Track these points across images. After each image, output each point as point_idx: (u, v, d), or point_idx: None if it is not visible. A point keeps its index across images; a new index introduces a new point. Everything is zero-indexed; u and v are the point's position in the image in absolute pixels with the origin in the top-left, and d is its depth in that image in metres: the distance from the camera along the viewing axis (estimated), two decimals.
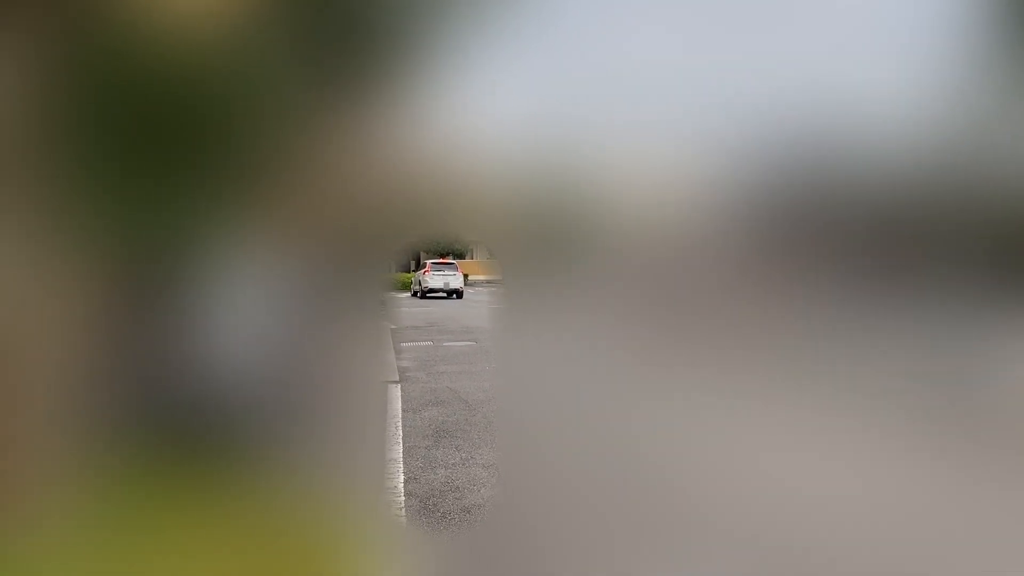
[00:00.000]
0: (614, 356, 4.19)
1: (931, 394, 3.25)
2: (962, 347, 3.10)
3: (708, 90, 3.09)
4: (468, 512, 3.40)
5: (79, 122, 2.14)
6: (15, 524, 2.13)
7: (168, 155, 2.25)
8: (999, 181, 2.95)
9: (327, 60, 2.38)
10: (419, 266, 24.67)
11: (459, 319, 14.35)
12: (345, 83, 2.43)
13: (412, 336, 11.09)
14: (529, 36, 2.69)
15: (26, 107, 2.10)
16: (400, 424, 5.14)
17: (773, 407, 3.64)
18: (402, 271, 25.87)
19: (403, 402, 5.96)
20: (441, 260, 23.77)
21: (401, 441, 4.66)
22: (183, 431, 2.29)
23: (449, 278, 22.64)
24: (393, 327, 11.69)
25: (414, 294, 23.30)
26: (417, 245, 20.26)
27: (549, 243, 3.41)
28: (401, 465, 4.11)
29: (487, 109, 2.81)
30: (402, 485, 3.76)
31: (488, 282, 26.95)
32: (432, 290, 22.58)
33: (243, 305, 2.38)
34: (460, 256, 27.41)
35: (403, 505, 3.48)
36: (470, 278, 26.72)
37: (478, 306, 18.32)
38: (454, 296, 22.58)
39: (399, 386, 6.66)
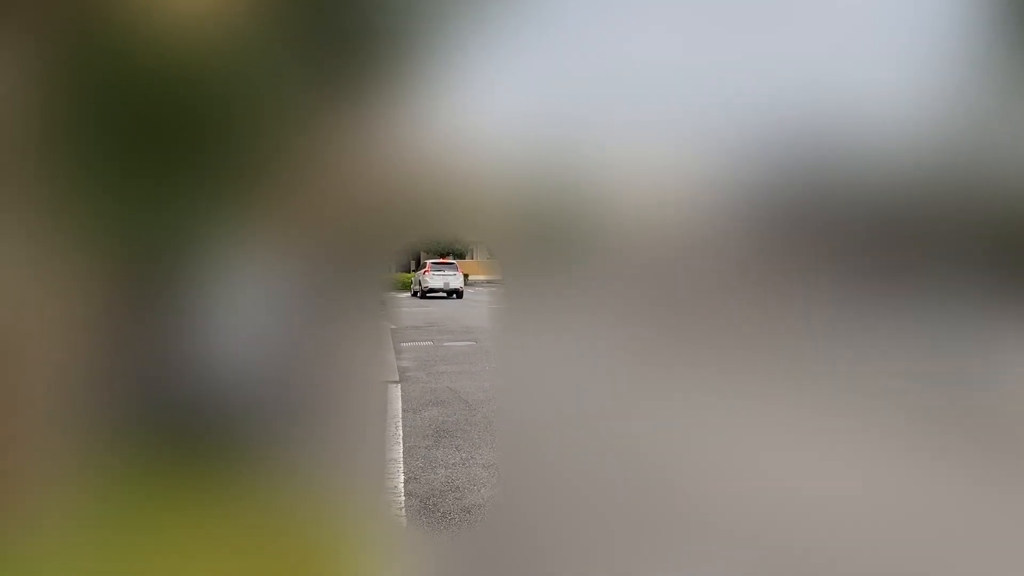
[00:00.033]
0: (614, 356, 4.19)
1: (931, 394, 3.24)
2: (962, 347, 3.10)
3: (708, 90, 3.09)
4: (468, 512, 3.40)
5: (79, 122, 2.14)
6: (15, 524, 2.13)
7: (168, 155, 2.25)
8: (999, 181, 2.95)
9: (327, 60, 2.38)
10: (419, 266, 24.67)
11: (459, 319, 14.35)
12: (345, 83, 2.43)
13: (412, 336, 11.09)
14: (529, 36, 2.69)
15: (26, 107, 2.10)
16: (400, 424, 5.14)
17: (773, 407, 3.64)
18: (402, 271, 25.87)
19: (403, 402, 5.96)
20: (441, 260, 23.78)
21: (401, 441, 4.66)
22: (183, 431, 2.29)
23: (449, 278, 22.64)
24: (393, 327, 11.69)
25: (414, 294, 23.30)
26: (417, 245, 20.27)
27: (549, 243, 3.41)
28: (401, 465, 4.11)
29: (487, 109, 2.81)
30: (402, 485, 3.76)
31: (488, 282, 26.95)
32: (432, 290, 22.59)
33: (243, 305, 2.38)
34: (460, 256, 27.42)
35: (403, 505, 3.48)
36: (470, 278, 26.72)
37: (478, 306, 18.32)
38: (454, 296, 22.59)
39: (399, 386, 6.66)
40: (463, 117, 2.72)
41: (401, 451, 4.41)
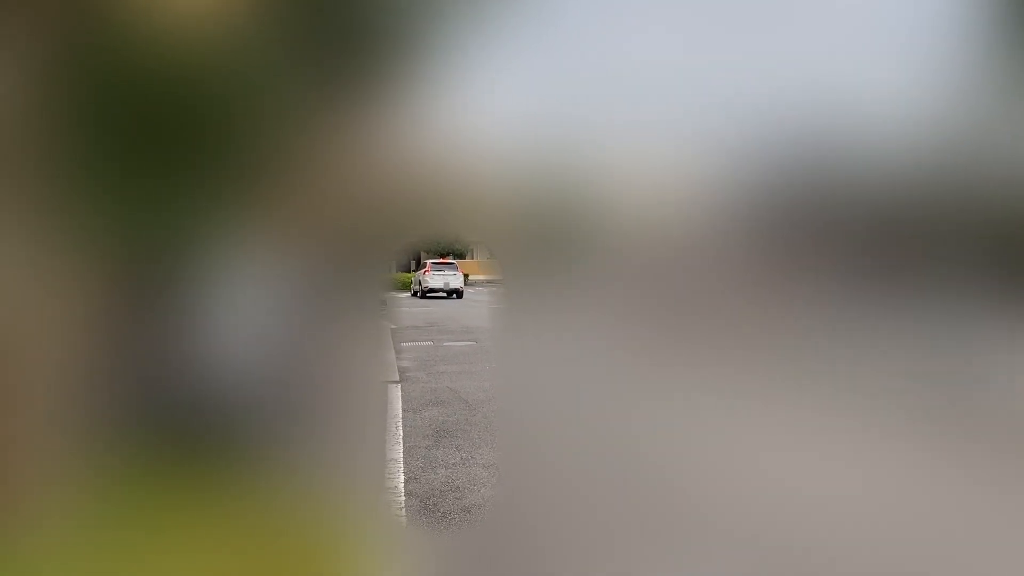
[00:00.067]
0: (614, 356, 4.19)
1: (931, 394, 3.25)
2: (962, 347, 3.10)
3: (708, 90, 3.09)
4: (468, 512, 3.41)
5: (79, 122, 2.14)
6: (15, 524, 2.13)
7: (168, 155, 2.25)
8: (999, 181, 2.95)
9: (327, 60, 2.38)
10: (419, 266, 24.67)
11: (459, 319, 14.36)
12: (345, 83, 2.43)
13: (412, 336, 11.09)
14: (529, 36, 2.69)
15: (26, 107, 2.10)
16: (400, 424, 5.14)
17: (773, 407, 3.64)
18: (402, 271, 25.87)
19: (403, 402, 5.96)
20: (441, 260, 23.78)
21: (401, 441, 4.66)
22: (183, 431, 2.29)
23: (449, 278, 22.65)
24: (393, 327, 11.69)
25: (414, 294, 23.31)
26: (417, 245, 20.27)
27: (549, 243, 3.41)
28: (401, 465, 4.11)
29: (487, 109, 2.81)
30: (402, 485, 3.76)
31: (488, 282, 26.95)
32: (432, 290, 22.59)
33: (243, 305, 2.38)
34: (460, 256, 27.43)
35: (403, 505, 3.48)
36: (470, 278, 26.72)
37: (478, 306, 18.33)
38: (454, 296, 22.59)
39: (399, 386, 6.66)
40: (463, 117, 2.72)
41: (401, 451, 4.41)
